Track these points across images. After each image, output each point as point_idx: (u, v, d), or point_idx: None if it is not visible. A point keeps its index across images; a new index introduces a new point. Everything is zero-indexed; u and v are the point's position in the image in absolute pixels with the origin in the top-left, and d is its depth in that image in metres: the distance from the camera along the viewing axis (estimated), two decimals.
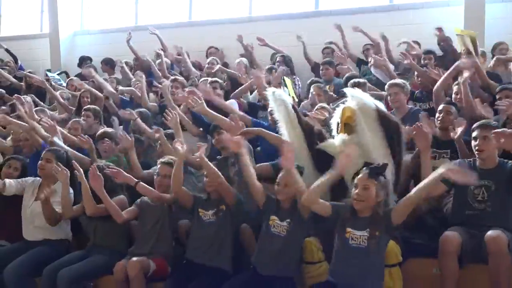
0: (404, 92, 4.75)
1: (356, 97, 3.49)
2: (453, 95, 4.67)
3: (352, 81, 5.10)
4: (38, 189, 4.03)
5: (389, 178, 3.22)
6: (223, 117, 4.26)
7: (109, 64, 8.33)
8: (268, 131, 3.93)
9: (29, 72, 8.00)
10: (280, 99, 3.65)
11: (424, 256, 3.46)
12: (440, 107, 4.23)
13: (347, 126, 3.43)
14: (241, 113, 4.75)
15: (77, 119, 5.54)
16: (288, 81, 5.31)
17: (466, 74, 4.43)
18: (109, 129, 4.92)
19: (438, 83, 4.80)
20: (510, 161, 3.37)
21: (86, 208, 3.76)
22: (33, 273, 3.73)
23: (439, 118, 4.16)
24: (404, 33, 6.67)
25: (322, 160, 3.44)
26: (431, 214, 3.87)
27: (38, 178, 4.15)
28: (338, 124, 3.53)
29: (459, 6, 6.70)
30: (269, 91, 3.76)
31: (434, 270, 3.36)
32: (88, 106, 5.79)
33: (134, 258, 3.53)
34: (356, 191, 3.05)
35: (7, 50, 8.86)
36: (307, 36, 7.33)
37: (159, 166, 3.82)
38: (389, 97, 4.81)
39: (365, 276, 2.99)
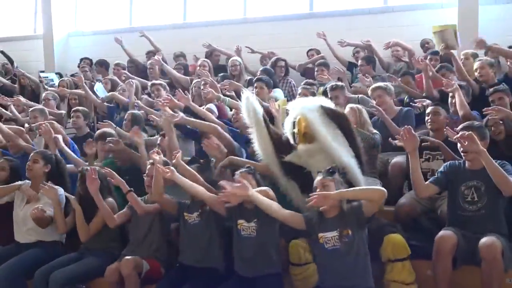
0: (388, 93, 4.79)
1: (296, 108, 3.61)
2: (450, 99, 4.68)
3: (329, 85, 5.15)
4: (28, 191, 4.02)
5: (355, 169, 3.33)
6: (203, 122, 4.35)
7: (103, 66, 8.27)
8: (238, 158, 3.97)
9: (23, 73, 7.97)
10: (251, 106, 3.66)
11: (418, 257, 3.45)
12: (429, 109, 4.27)
13: (306, 135, 3.48)
14: (217, 120, 4.71)
15: None
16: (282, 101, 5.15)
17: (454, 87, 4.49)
18: (108, 129, 4.84)
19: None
20: (497, 160, 3.36)
21: (81, 235, 3.78)
22: (24, 276, 3.69)
23: (429, 120, 4.19)
24: (398, 34, 6.67)
25: (291, 167, 3.54)
26: (425, 216, 3.90)
27: (27, 181, 4.11)
28: (294, 134, 3.56)
29: (453, 8, 6.71)
30: (244, 96, 3.75)
31: (429, 272, 3.37)
32: (77, 107, 5.76)
33: (128, 257, 3.51)
34: (317, 190, 3.06)
35: (3, 52, 8.78)
36: (302, 38, 7.37)
37: (148, 167, 3.78)
38: (374, 101, 4.84)
39: (350, 275, 2.98)
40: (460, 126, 3.58)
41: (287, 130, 3.68)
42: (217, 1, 8.86)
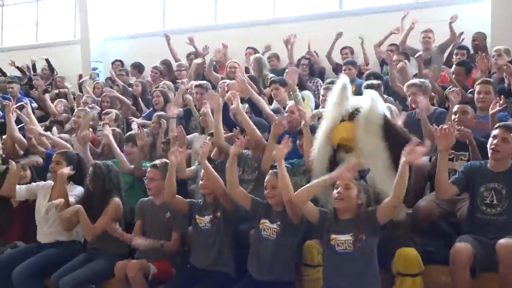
0: (423, 90, 4.60)
1: (370, 100, 3.41)
2: (476, 95, 4.48)
3: (365, 83, 5.01)
4: (50, 191, 4.10)
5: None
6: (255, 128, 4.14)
7: (137, 68, 8.42)
8: None
9: (59, 77, 8.26)
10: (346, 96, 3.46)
11: (435, 263, 3.35)
12: (456, 107, 4.08)
13: (342, 146, 3.37)
14: (271, 112, 4.80)
15: None
16: (306, 97, 5.18)
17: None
18: (133, 132, 4.97)
19: None
20: None
21: (86, 235, 3.82)
22: (41, 275, 3.80)
23: (456, 119, 4.01)
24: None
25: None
26: (444, 219, 3.77)
27: (50, 182, 4.21)
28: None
29: (486, 2, 6.45)
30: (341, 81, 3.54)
31: (443, 278, 3.26)
32: (107, 109, 5.86)
33: (134, 261, 3.56)
34: (338, 189, 3.00)
35: (47, 60, 9.14)
36: (331, 36, 7.27)
37: (148, 169, 3.83)
38: (409, 98, 4.71)
39: (357, 282, 2.92)
40: (498, 124, 3.41)
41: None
42: (247, 1, 8.88)
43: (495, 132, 3.31)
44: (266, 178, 3.36)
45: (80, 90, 8.00)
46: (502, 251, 2.98)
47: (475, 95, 4.48)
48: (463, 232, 3.34)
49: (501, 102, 4.07)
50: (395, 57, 6.22)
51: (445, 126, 3.25)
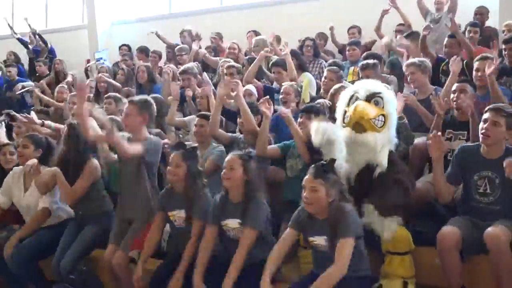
0: (422, 70, 4.43)
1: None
2: (474, 72, 4.32)
3: (360, 63, 4.88)
4: (23, 178, 4.01)
5: None
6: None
7: (143, 52, 8.39)
8: None
9: (58, 59, 8.25)
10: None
11: (428, 244, 3.27)
12: (454, 86, 3.96)
13: (357, 124, 3.27)
14: None
15: None
16: (305, 79, 5.10)
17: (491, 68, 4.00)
18: None
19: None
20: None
21: (65, 199, 3.77)
22: (36, 257, 3.79)
23: (454, 98, 3.90)
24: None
25: None
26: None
27: (16, 168, 4.10)
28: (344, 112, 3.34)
29: None
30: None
31: (437, 260, 3.16)
32: (109, 93, 5.83)
33: (117, 255, 3.48)
34: (304, 193, 2.85)
35: (39, 35, 9.14)
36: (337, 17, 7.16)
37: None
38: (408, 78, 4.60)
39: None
40: (489, 107, 3.26)
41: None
42: None
43: (485, 115, 3.17)
44: (226, 158, 3.21)
45: (87, 75, 8.03)
46: (490, 240, 2.91)
47: (474, 72, 4.32)
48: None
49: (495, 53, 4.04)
50: (398, 37, 6.15)
51: (438, 133, 3.18)
